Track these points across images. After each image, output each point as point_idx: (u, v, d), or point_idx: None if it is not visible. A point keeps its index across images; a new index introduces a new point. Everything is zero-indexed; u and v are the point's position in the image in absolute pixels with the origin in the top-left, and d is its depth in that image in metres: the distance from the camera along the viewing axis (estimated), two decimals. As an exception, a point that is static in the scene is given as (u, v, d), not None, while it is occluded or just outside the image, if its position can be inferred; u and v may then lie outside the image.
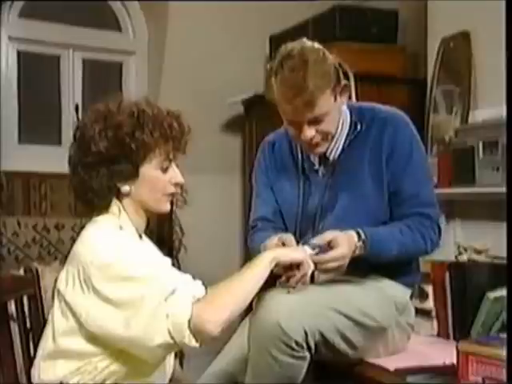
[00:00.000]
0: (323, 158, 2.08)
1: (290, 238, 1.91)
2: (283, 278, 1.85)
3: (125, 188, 1.68)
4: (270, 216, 2.15)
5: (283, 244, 1.88)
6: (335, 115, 2.00)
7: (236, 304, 1.60)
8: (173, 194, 1.74)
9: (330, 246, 1.85)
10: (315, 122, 1.95)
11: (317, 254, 1.83)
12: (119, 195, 1.69)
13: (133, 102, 1.71)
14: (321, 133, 1.98)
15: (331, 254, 1.84)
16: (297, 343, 1.78)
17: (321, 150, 2.04)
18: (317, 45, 1.98)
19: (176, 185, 1.73)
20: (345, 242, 1.86)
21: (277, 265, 1.72)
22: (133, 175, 1.67)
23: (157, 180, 1.69)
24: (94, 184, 1.65)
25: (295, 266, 1.79)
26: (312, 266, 1.82)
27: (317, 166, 2.10)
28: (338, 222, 1.97)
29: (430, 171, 2.15)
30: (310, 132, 1.96)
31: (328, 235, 1.87)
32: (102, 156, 1.64)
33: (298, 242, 1.93)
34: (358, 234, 1.90)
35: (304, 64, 1.89)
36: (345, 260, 1.86)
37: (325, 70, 1.92)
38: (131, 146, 1.64)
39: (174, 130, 1.69)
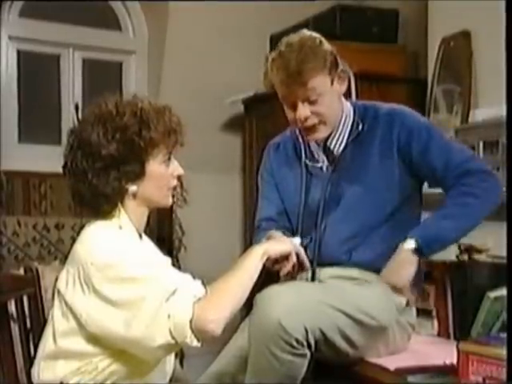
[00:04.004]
0: (327, 151, 2.10)
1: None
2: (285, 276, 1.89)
3: (132, 188, 1.68)
4: (274, 216, 2.18)
5: None
6: (332, 99, 2.03)
7: (235, 302, 1.62)
8: (175, 187, 1.76)
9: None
10: (310, 101, 1.98)
11: None
12: (124, 196, 1.69)
13: (129, 101, 1.71)
14: (316, 114, 2.00)
15: None
16: (297, 341, 1.78)
17: (318, 135, 2.06)
18: (315, 34, 2.04)
19: (178, 177, 1.75)
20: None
21: (267, 258, 1.75)
22: (141, 174, 1.67)
23: (162, 175, 1.70)
24: (106, 188, 1.65)
25: (284, 257, 1.84)
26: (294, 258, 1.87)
27: (320, 163, 2.12)
28: (345, 215, 2.02)
29: (449, 138, 2.18)
30: (304, 111, 1.99)
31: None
32: (113, 159, 1.63)
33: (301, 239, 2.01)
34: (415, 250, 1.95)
35: (300, 47, 1.96)
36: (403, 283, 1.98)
37: (320, 52, 1.98)
38: (140, 144, 1.64)
39: (174, 123, 1.71)
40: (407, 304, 2.02)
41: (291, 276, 1.99)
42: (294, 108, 2.00)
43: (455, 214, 1.98)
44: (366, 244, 2.04)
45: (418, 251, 1.95)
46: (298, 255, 1.90)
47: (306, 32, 2.06)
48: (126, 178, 1.66)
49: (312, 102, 1.98)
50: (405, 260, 1.96)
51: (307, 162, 2.14)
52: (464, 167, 2.00)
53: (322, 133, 2.05)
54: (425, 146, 2.03)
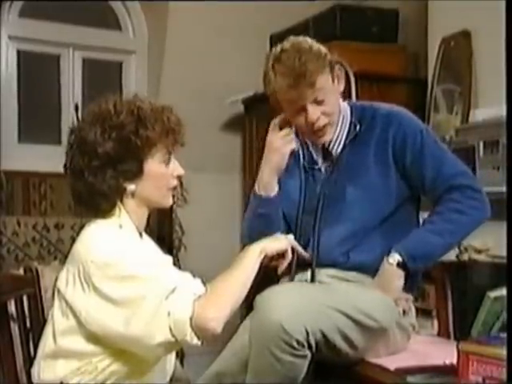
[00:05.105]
0: (325, 152, 2.10)
1: None
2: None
3: (130, 187, 1.68)
4: None
5: None
6: (335, 98, 2.04)
7: (235, 300, 1.62)
8: (175, 188, 1.75)
9: None
10: (318, 102, 1.98)
11: None
12: (123, 195, 1.69)
13: (128, 101, 1.71)
14: (326, 115, 2.00)
15: None
16: (298, 342, 1.78)
17: (327, 138, 2.06)
18: (307, 38, 2.04)
19: (178, 177, 1.75)
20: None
21: (265, 256, 1.75)
22: (139, 173, 1.67)
23: (161, 175, 1.70)
24: (103, 187, 1.65)
25: (281, 255, 1.84)
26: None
27: (319, 164, 2.12)
28: (343, 216, 2.02)
29: (445, 148, 2.15)
30: (315, 113, 1.98)
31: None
32: (109, 157, 1.63)
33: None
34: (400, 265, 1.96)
35: (299, 51, 1.95)
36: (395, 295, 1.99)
37: (319, 53, 1.98)
38: (137, 143, 1.64)
39: (173, 122, 1.70)
40: (404, 313, 2.02)
41: (289, 273, 1.99)
42: (303, 111, 1.99)
43: (442, 230, 1.99)
44: (363, 245, 2.04)
45: (402, 265, 1.96)
46: (294, 251, 1.90)
47: (295, 38, 2.04)
48: (124, 177, 1.66)
49: (319, 102, 1.98)
50: (391, 274, 1.98)
51: (305, 164, 2.14)
52: (454, 181, 2.01)
53: (329, 135, 2.06)
54: (418, 151, 2.03)
